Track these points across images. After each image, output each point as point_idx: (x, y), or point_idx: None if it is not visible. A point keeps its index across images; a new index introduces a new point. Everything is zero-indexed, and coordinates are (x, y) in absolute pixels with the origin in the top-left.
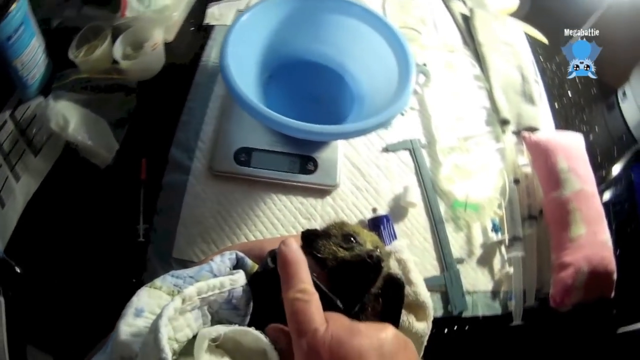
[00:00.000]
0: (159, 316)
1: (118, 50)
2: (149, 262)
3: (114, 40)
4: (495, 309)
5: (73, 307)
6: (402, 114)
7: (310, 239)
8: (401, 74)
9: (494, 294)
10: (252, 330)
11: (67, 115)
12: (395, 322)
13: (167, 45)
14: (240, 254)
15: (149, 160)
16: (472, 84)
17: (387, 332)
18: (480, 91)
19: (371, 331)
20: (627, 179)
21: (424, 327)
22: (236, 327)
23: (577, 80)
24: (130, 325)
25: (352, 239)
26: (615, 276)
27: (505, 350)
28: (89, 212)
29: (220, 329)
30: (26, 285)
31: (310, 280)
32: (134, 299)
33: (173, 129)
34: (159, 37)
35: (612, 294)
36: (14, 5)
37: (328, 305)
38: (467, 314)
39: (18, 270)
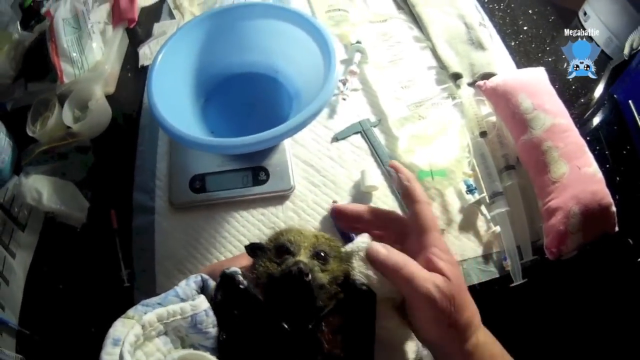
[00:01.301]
0: (122, 343)
1: (67, 115)
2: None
3: (62, 107)
4: (491, 272)
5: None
6: (344, 99)
7: (255, 255)
8: (325, 60)
9: (486, 257)
10: (207, 355)
11: (39, 188)
12: (369, 332)
13: (111, 97)
14: (205, 276)
15: (118, 209)
16: (413, 47)
17: None
18: (424, 52)
19: None
20: (610, 101)
21: None
22: (191, 351)
23: (531, 12)
24: (110, 354)
25: (285, 249)
26: (613, 208)
27: (514, 313)
28: (78, 270)
29: (175, 355)
30: (44, 349)
31: None
32: (111, 330)
33: (132, 174)
34: (98, 92)
35: (616, 228)
36: None
37: (274, 327)
38: None
39: (35, 338)
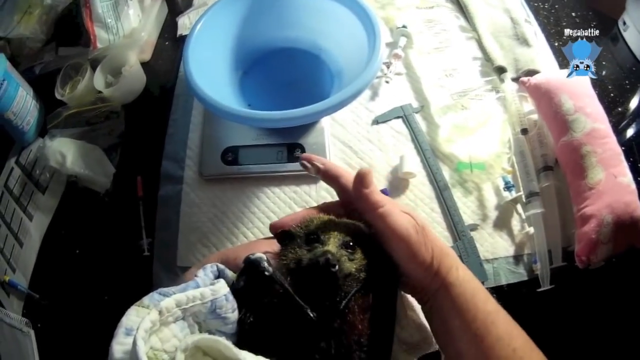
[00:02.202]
0: (137, 329)
1: (99, 80)
2: (155, 275)
3: (94, 72)
4: (520, 275)
5: (95, 328)
6: (387, 82)
7: (284, 243)
8: (369, 40)
9: (517, 258)
10: (221, 340)
11: (64, 151)
12: (391, 312)
13: (146, 65)
14: (221, 266)
15: (144, 177)
16: (459, 37)
17: None
18: (469, 42)
19: None
20: None
21: None
22: (205, 335)
23: (574, 15)
24: (122, 344)
25: (315, 237)
26: None
27: (537, 318)
28: (97, 236)
29: (189, 340)
30: (51, 314)
31: None
32: (124, 319)
33: (162, 143)
34: (133, 59)
35: None
36: None
37: (299, 315)
38: (489, 284)
39: (44, 302)
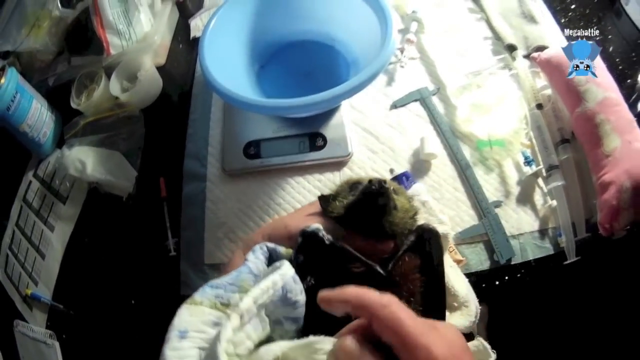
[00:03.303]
0: (217, 340)
1: (115, 86)
2: (183, 274)
3: (109, 79)
4: (547, 249)
5: (124, 334)
6: (402, 67)
7: (326, 204)
8: (381, 25)
9: (542, 232)
10: (311, 340)
11: (83, 158)
12: (437, 273)
13: (162, 68)
14: (271, 245)
15: (167, 178)
16: (468, 18)
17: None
18: (479, 23)
19: None
20: None
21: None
22: (294, 342)
23: None
24: (175, 349)
25: (357, 185)
26: None
27: (565, 292)
28: (121, 240)
29: (277, 350)
30: (77, 323)
31: None
32: (175, 320)
33: (183, 143)
34: (148, 63)
35: None
36: (2, 80)
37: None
38: (516, 260)
39: (70, 312)
